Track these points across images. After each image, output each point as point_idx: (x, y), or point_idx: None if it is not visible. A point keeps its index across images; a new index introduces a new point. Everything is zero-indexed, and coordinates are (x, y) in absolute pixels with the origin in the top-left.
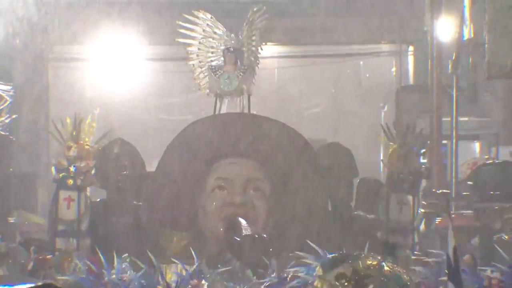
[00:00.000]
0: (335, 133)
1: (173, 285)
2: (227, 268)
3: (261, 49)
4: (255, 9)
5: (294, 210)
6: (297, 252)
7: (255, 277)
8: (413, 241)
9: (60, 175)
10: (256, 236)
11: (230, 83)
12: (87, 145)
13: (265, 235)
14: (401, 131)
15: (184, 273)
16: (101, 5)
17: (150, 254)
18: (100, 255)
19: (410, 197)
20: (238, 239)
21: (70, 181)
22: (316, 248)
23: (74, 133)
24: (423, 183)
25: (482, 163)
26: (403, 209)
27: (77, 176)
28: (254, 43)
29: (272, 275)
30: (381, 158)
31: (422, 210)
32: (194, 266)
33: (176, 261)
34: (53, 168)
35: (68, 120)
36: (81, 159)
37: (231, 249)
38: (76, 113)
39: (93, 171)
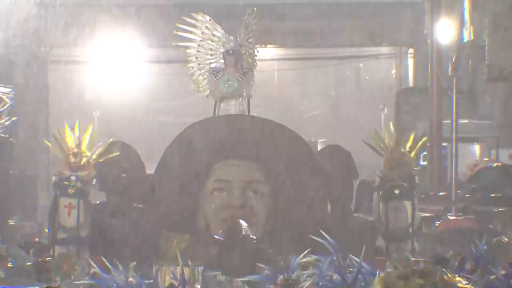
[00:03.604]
0: (335, 135)
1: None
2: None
3: (257, 51)
4: (249, 11)
5: (293, 212)
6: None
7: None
8: (412, 244)
9: (61, 183)
10: (241, 237)
11: (230, 85)
12: (87, 155)
13: (253, 236)
14: (398, 135)
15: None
16: (100, 8)
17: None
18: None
19: (406, 203)
20: (219, 237)
21: (71, 190)
22: (329, 243)
23: (76, 142)
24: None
25: (483, 165)
26: (398, 216)
27: (77, 184)
28: (251, 46)
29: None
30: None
31: (423, 214)
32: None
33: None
34: (54, 177)
35: (67, 129)
36: (83, 168)
37: (217, 251)
38: (78, 123)
39: (94, 181)
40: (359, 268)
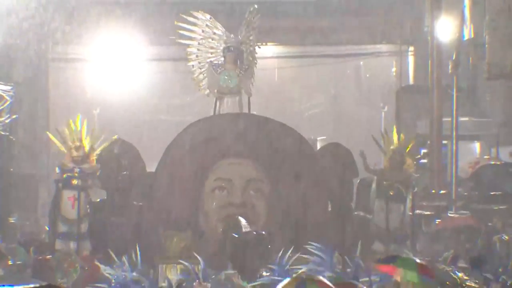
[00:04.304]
0: (335, 133)
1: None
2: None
3: (259, 47)
4: (251, 9)
5: (294, 210)
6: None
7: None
8: (413, 243)
9: (64, 175)
10: (255, 233)
11: (229, 81)
12: (89, 148)
13: (264, 232)
14: (400, 140)
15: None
16: (101, 6)
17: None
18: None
19: (399, 205)
20: (237, 236)
21: (75, 181)
22: (323, 248)
23: (79, 135)
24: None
25: (484, 163)
26: (389, 217)
27: (81, 177)
28: (252, 43)
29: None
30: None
31: (424, 212)
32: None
33: (183, 262)
34: (57, 168)
35: (71, 123)
36: (86, 161)
37: (230, 247)
38: (81, 117)
39: (98, 173)
40: (357, 265)
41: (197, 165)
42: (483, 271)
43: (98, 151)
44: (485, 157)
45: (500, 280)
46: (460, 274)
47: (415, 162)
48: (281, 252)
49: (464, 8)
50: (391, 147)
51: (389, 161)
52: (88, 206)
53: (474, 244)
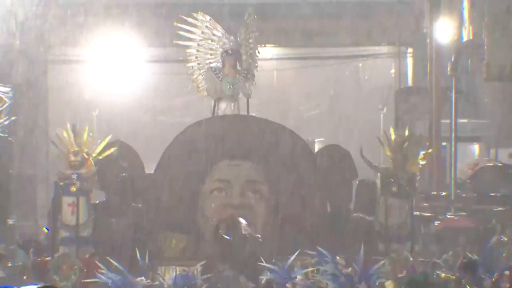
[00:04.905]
0: (334, 134)
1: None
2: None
3: (258, 52)
4: (249, 11)
5: (292, 211)
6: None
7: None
8: (412, 244)
9: (62, 183)
10: (247, 236)
11: (234, 88)
12: (87, 153)
13: (259, 236)
14: (400, 136)
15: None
16: (100, 7)
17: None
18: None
19: (401, 202)
20: (228, 237)
21: (74, 188)
22: (325, 252)
23: (76, 140)
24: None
25: (483, 164)
26: (392, 213)
27: (79, 182)
28: (251, 46)
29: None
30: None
31: (424, 214)
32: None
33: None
34: (55, 176)
35: (68, 128)
36: (83, 166)
37: (221, 249)
38: (76, 122)
39: (95, 178)
40: (361, 266)
41: (195, 166)
42: (478, 274)
43: (95, 155)
44: (485, 158)
45: (492, 279)
46: (442, 274)
47: (420, 162)
48: (279, 254)
49: (463, 9)
50: (392, 149)
51: (392, 161)
52: (90, 211)
53: (484, 248)
